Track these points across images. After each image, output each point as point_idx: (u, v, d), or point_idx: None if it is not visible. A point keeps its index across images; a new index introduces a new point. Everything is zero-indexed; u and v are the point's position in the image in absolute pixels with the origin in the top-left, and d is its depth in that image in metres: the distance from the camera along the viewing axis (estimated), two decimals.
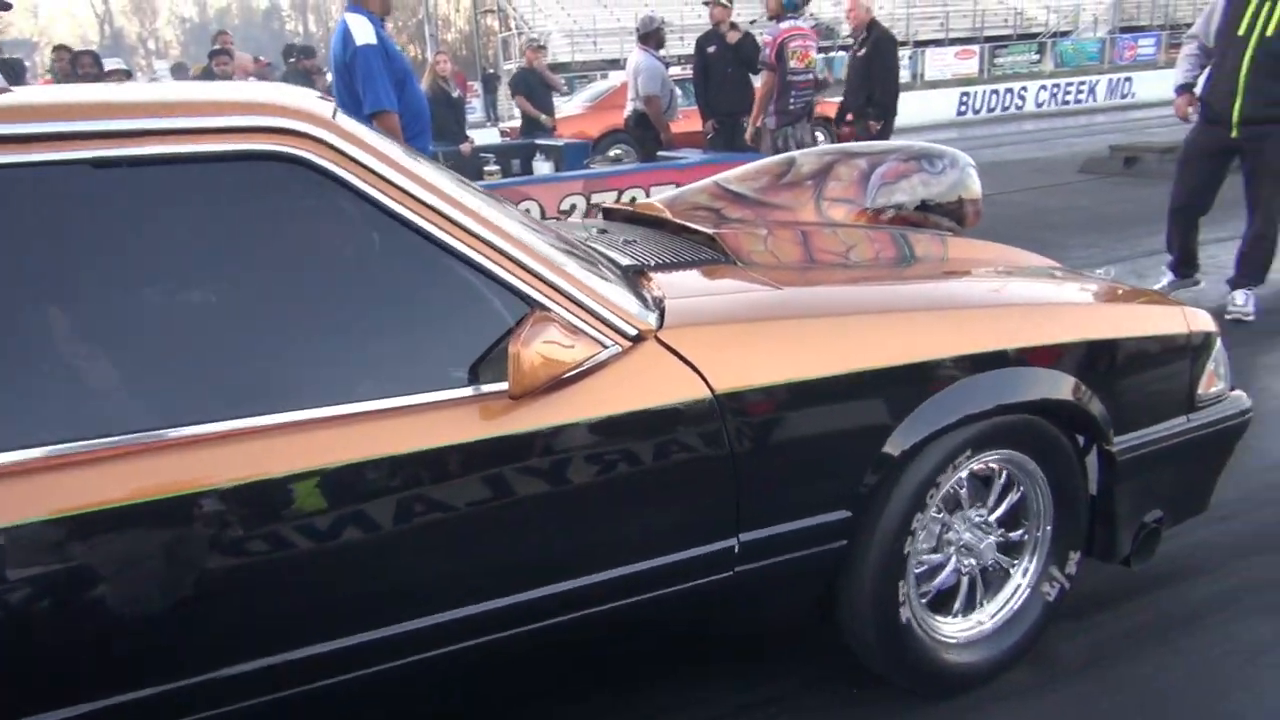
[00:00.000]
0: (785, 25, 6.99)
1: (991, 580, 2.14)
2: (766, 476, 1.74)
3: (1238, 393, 2.38)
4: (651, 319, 1.70)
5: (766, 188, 2.66)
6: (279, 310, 1.53)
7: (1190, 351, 2.20)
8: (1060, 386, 1.96)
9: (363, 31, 4.01)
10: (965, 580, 2.09)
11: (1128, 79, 23.04)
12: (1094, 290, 2.33)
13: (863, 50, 7.09)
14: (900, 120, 7.17)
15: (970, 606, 2.12)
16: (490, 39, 32.08)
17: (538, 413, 1.53)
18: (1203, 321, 2.24)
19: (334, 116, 1.56)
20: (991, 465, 2.03)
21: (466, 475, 1.51)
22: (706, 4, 7.80)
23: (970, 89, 21.30)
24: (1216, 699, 2.05)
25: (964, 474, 1.98)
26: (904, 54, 27.52)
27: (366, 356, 1.53)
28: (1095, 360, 2.04)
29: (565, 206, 6.05)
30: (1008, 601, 2.13)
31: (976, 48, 30.13)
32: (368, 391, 1.48)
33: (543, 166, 7.02)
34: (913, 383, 1.82)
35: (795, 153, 2.86)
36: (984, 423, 1.89)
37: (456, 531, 1.53)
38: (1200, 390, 2.24)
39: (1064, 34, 33.40)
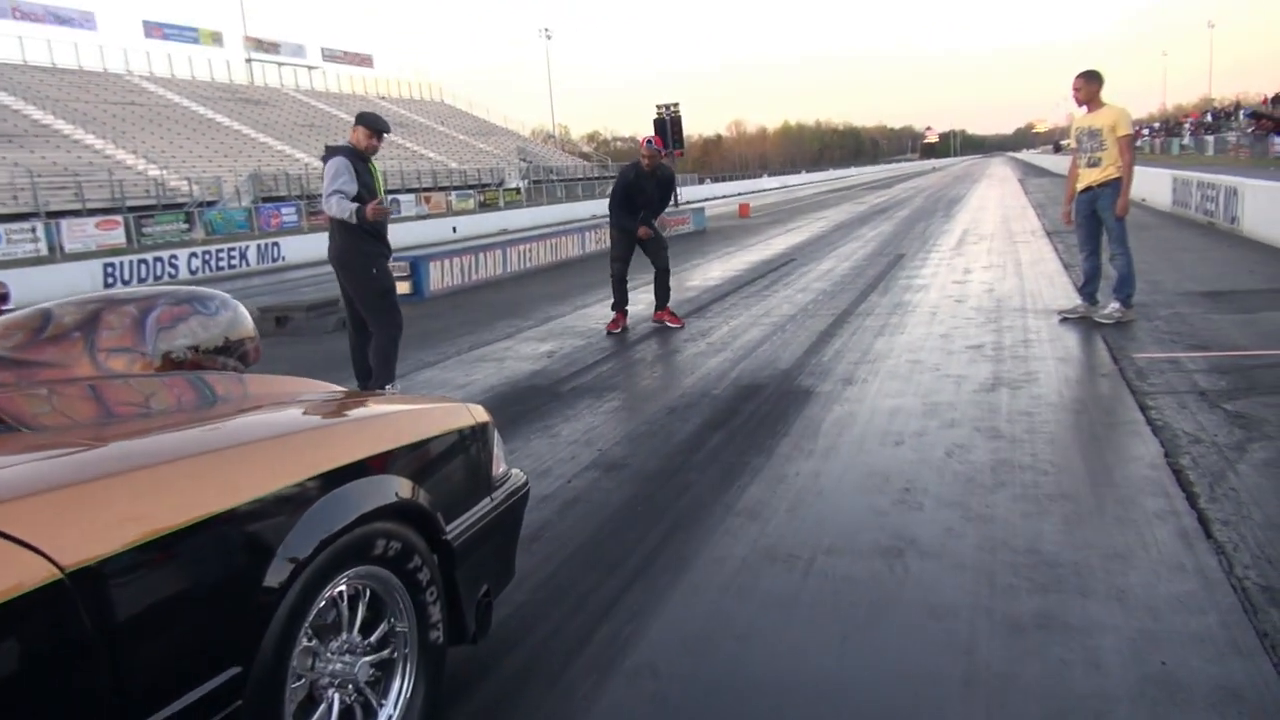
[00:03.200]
0: None
1: (372, 700, 2.10)
2: (144, 654, 1.55)
3: (516, 471, 2.79)
4: None
5: (25, 345, 2.37)
6: None
7: (480, 439, 2.55)
8: (398, 490, 2.11)
9: None
10: (343, 703, 2.01)
11: (276, 243, 24.39)
12: (393, 403, 2.61)
13: None
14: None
15: None
16: None
17: None
18: (482, 412, 2.61)
19: None
20: (358, 584, 2.04)
21: None
22: None
23: (116, 259, 20.07)
24: None
25: (335, 594, 1.97)
26: (35, 225, 24.96)
27: None
28: (418, 461, 2.25)
29: None
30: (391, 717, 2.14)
31: (120, 218, 28.88)
32: None
33: None
34: (269, 515, 1.79)
35: (50, 304, 2.55)
36: (343, 539, 1.91)
37: None
38: (494, 472, 2.59)
39: (210, 204, 34.10)
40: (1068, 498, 3.59)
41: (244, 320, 2.69)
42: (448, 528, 2.29)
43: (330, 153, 5.93)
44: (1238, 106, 62.37)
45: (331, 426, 2.24)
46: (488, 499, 2.53)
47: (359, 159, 5.88)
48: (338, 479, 1.96)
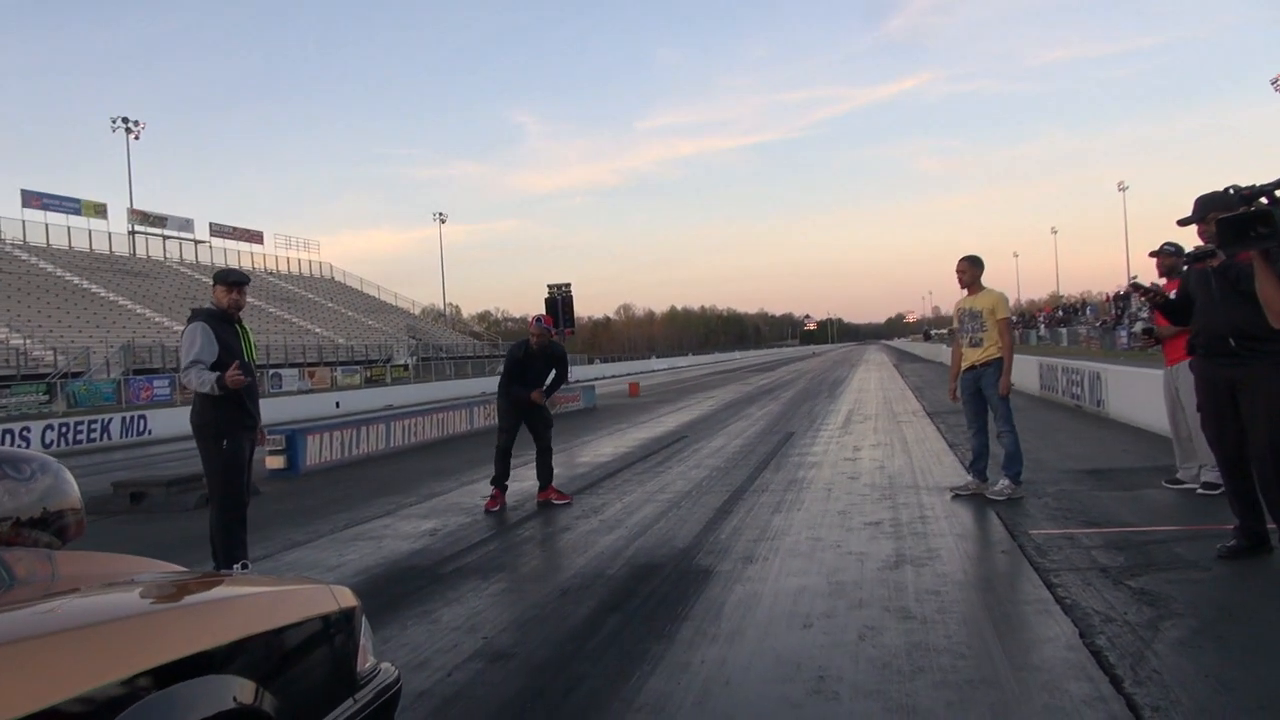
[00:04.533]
0: None
1: None
2: None
3: (386, 664, 2.39)
4: None
5: None
6: None
7: (345, 628, 2.20)
8: (237, 694, 1.75)
9: None
10: None
11: (143, 416, 23.13)
12: (242, 585, 2.27)
13: None
14: None
15: None
16: None
17: None
18: (348, 596, 2.27)
19: None
20: None
21: None
22: None
23: None
24: None
25: None
26: None
27: None
28: (266, 656, 1.92)
29: None
30: None
31: None
32: None
33: None
34: None
35: None
36: None
37: None
38: (360, 667, 2.22)
39: (76, 375, 32.39)
40: (990, 684, 3.35)
41: (66, 488, 2.30)
42: None
43: (193, 316, 5.64)
44: (1084, 303, 67.98)
45: (158, 613, 1.84)
46: (350, 700, 2.15)
47: (222, 321, 5.63)
48: (161, 679, 1.61)
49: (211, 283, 5.82)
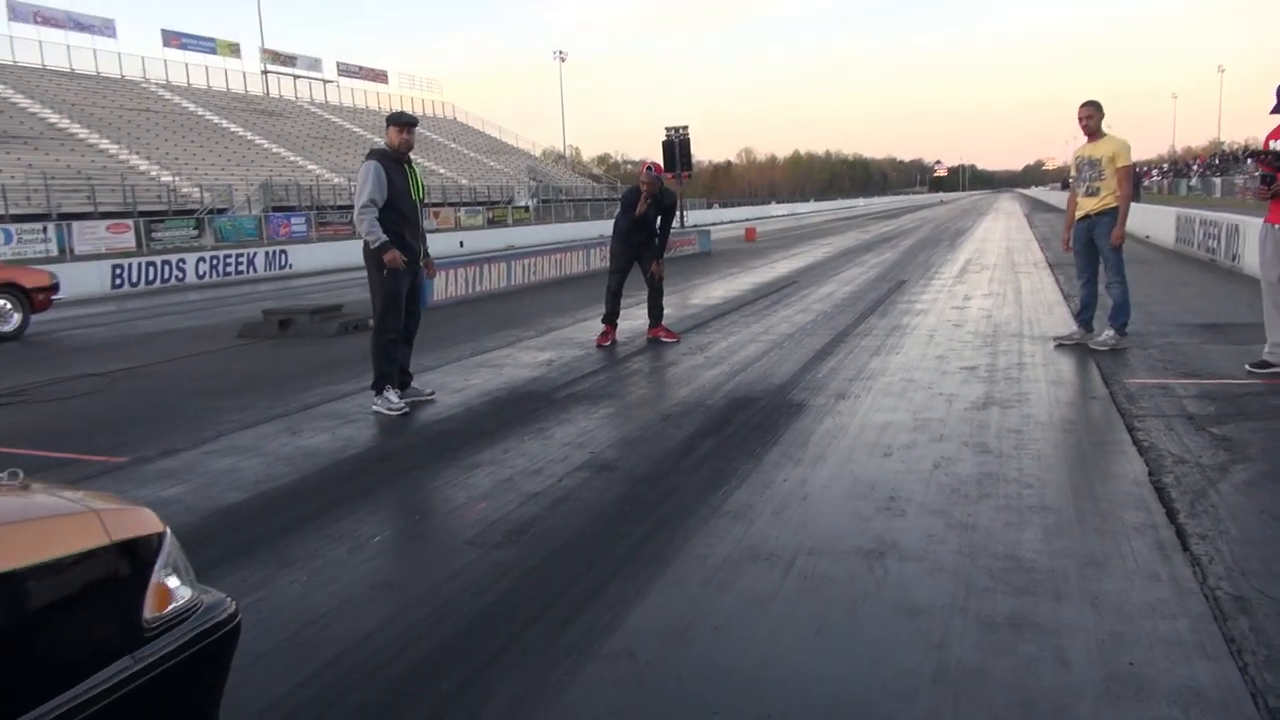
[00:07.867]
0: None
1: None
2: None
3: (215, 596, 1.89)
4: None
5: None
6: None
7: (122, 566, 1.69)
8: None
9: None
10: None
11: (284, 251, 24.59)
12: None
13: None
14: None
15: None
16: None
17: None
18: (135, 524, 1.74)
19: None
20: None
21: None
22: None
23: (125, 261, 20.26)
24: None
25: None
26: (46, 226, 25.13)
27: None
28: None
29: None
30: None
31: (130, 222, 29.05)
32: None
33: None
34: None
35: None
36: None
37: None
38: (148, 614, 1.71)
39: (220, 211, 34.31)
40: (1049, 510, 3.63)
41: None
42: None
43: (369, 155, 6.04)
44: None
45: None
46: (128, 659, 1.65)
47: (393, 161, 5.97)
48: None
49: (386, 123, 6.14)
